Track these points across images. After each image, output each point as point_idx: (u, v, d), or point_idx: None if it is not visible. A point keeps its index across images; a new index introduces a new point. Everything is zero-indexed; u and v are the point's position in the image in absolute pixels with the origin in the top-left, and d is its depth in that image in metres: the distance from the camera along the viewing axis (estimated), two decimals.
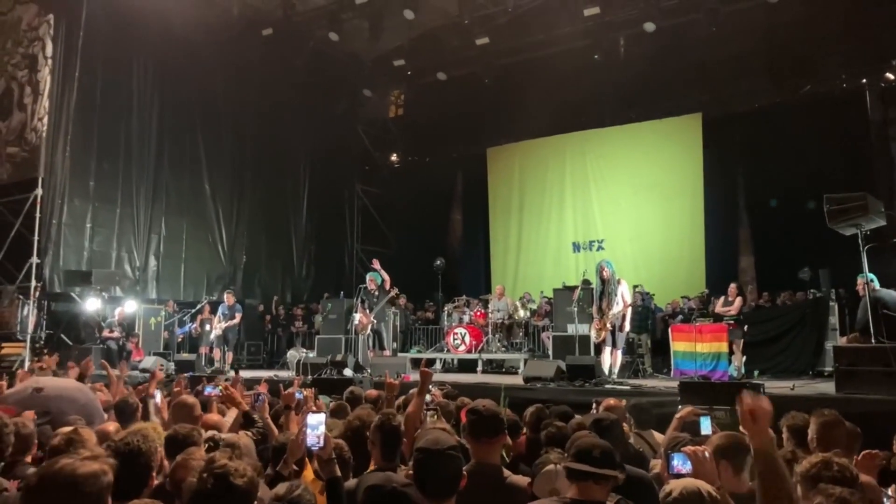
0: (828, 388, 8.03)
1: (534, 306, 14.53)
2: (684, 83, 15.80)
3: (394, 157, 21.41)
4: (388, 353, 12.31)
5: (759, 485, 2.24)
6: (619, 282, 10.22)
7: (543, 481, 3.06)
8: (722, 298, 11.65)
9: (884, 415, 5.87)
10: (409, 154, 21.15)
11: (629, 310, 10.34)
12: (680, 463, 2.66)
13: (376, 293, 12.22)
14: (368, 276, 12.50)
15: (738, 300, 11.29)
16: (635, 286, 13.87)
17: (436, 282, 16.19)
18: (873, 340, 7.62)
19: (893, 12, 12.89)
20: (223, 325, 13.32)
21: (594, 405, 5.82)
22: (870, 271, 7.95)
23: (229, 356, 13.23)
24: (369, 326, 12.15)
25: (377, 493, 2.40)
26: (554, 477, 3.05)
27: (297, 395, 4.95)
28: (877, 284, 8.29)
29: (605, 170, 17.36)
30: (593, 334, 10.39)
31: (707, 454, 2.35)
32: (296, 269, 19.02)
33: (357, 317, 12.26)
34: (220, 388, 4.59)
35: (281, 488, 2.79)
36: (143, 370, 11.28)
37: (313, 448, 2.99)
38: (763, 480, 2.22)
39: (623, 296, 10.11)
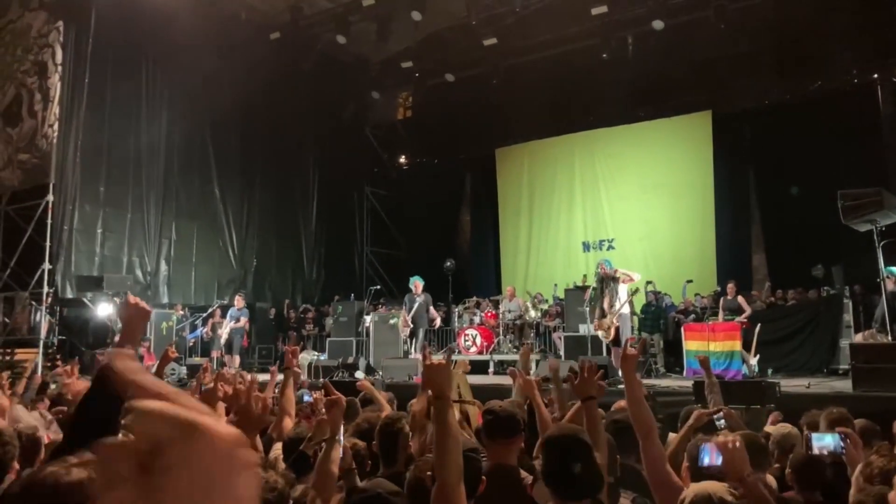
0: (844, 385, 7.97)
1: (545, 306, 14.48)
2: (693, 81, 15.71)
3: (402, 159, 21.42)
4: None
5: None
6: (615, 272, 10.18)
7: (543, 487, 3.00)
8: (721, 299, 11.64)
9: None
10: (417, 156, 21.15)
11: (636, 278, 10.33)
12: (709, 456, 2.58)
13: (418, 297, 12.48)
14: (414, 280, 12.75)
15: (741, 298, 11.33)
16: (648, 282, 13.83)
17: (446, 283, 16.15)
18: (889, 337, 7.56)
19: None
20: (229, 326, 13.34)
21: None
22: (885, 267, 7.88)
23: (235, 360, 13.25)
24: (408, 330, 12.42)
25: (360, 498, 2.38)
26: None
27: (306, 398, 4.88)
28: None
29: (615, 169, 17.30)
30: (601, 334, 10.31)
31: (738, 443, 2.27)
32: (306, 271, 19.03)
33: (399, 320, 12.59)
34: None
35: (297, 490, 2.78)
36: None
37: None
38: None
39: (629, 275, 10.10)
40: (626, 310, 10.18)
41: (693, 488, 2.47)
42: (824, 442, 2.74)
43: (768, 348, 10.86)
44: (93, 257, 14.41)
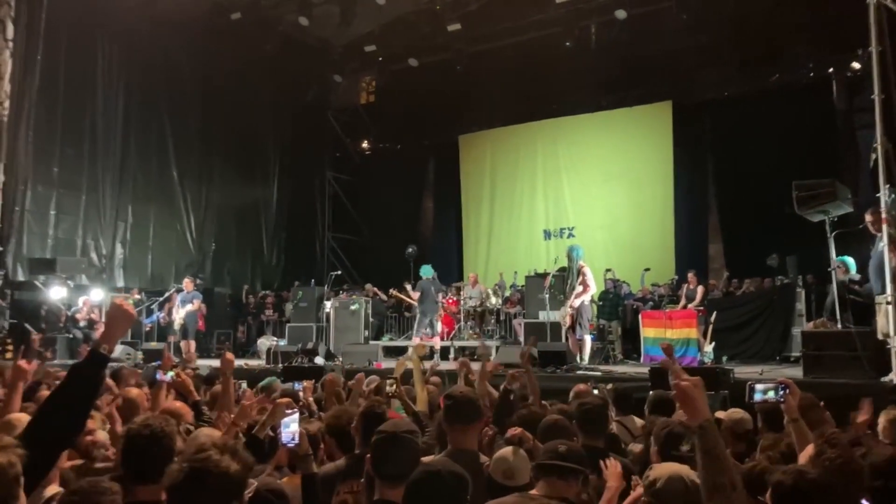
0: (795, 372, 8.15)
1: (507, 293, 14.58)
2: (655, 71, 15.86)
3: (365, 144, 21.23)
4: (419, 339, 12.16)
5: (699, 464, 2.03)
6: (580, 267, 10.27)
7: (498, 464, 3.06)
8: (684, 287, 11.84)
9: (849, 398, 5.96)
10: (380, 141, 20.99)
11: (588, 294, 10.36)
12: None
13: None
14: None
15: (701, 288, 11.53)
16: (607, 270, 13.98)
17: (408, 270, 16.12)
18: (839, 325, 7.76)
19: (859, 2, 13.02)
20: (182, 311, 13.08)
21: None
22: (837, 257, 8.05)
23: (191, 345, 13.03)
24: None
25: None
26: (509, 457, 3.05)
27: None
28: (853, 269, 8.38)
29: (576, 157, 17.41)
30: (568, 310, 10.39)
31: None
32: (266, 256, 18.83)
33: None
34: (173, 374, 4.44)
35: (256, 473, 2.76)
36: (113, 360, 11.06)
37: (289, 444, 2.95)
38: (703, 459, 2.01)
39: (585, 280, 10.16)
40: (586, 299, 10.29)
41: (662, 469, 2.49)
42: (767, 394, 3.04)
43: (723, 336, 11.06)
44: (46, 239, 14.09)
